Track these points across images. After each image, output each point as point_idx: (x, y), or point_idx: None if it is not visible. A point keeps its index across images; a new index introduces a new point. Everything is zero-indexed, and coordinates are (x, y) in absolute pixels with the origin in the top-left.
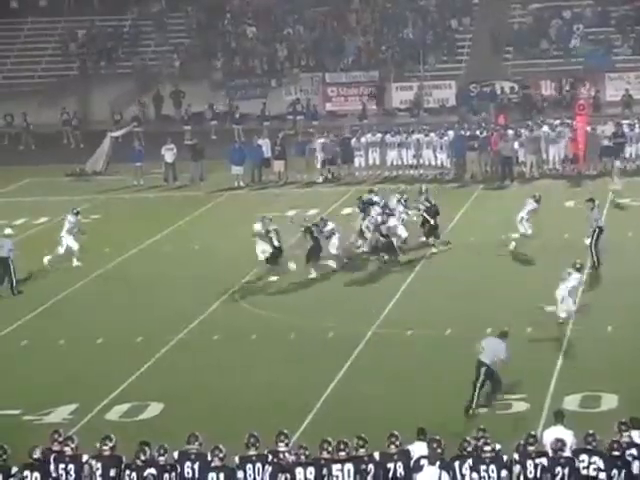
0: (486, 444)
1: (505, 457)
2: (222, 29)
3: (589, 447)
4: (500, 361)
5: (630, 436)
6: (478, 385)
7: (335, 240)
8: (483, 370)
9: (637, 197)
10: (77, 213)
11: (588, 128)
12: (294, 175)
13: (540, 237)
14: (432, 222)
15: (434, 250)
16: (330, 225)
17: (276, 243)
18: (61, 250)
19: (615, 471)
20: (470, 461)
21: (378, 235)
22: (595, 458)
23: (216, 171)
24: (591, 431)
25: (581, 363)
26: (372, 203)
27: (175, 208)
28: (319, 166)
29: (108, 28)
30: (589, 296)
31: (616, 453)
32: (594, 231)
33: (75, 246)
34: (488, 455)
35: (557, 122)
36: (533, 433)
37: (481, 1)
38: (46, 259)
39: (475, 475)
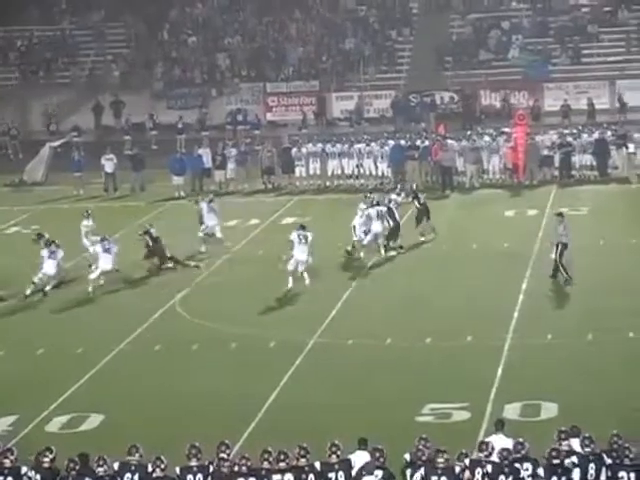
0: (439, 452)
1: (458, 468)
2: (162, 39)
3: (518, 455)
4: None
5: (570, 445)
6: None
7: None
8: None
9: (577, 206)
10: (88, 215)
11: (528, 138)
12: (235, 185)
13: (480, 246)
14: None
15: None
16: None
17: None
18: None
19: (555, 478)
20: (422, 470)
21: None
22: (527, 464)
23: (157, 181)
24: (521, 439)
25: (521, 372)
26: (148, 232)
27: (115, 218)
28: (227, 176)
29: (47, 38)
30: (529, 305)
31: (556, 461)
32: (557, 246)
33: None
34: (441, 466)
35: (497, 132)
36: (486, 440)
37: (421, 12)
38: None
39: None
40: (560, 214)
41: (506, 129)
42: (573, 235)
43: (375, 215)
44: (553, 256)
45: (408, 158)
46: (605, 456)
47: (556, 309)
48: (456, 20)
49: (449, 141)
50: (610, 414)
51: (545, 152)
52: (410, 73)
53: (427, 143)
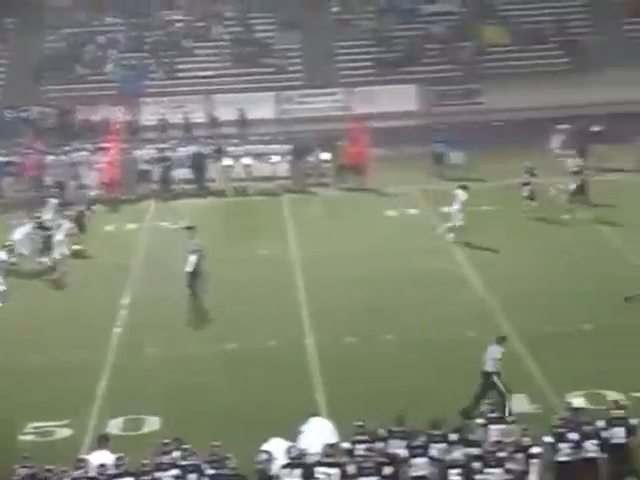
0: (47, 472)
1: None
2: None
3: (119, 470)
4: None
5: (173, 457)
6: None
7: None
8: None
9: (177, 220)
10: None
11: (124, 152)
12: None
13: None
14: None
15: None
16: None
17: None
18: None
19: None
20: None
21: None
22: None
23: None
24: (121, 454)
25: (124, 386)
26: None
27: None
28: None
29: None
30: (132, 319)
31: (148, 477)
32: (193, 256)
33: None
34: None
35: (94, 147)
36: (83, 457)
37: (16, 26)
38: None
39: None
40: (189, 227)
41: (103, 144)
42: (173, 250)
43: (28, 229)
44: (189, 269)
45: (6, 174)
46: (206, 466)
47: (160, 321)
48: (51, 35)
49: (48, 156)
50: (211, 425)
51: (144, 166)
52: (5, 88)
53: (22, 159)
